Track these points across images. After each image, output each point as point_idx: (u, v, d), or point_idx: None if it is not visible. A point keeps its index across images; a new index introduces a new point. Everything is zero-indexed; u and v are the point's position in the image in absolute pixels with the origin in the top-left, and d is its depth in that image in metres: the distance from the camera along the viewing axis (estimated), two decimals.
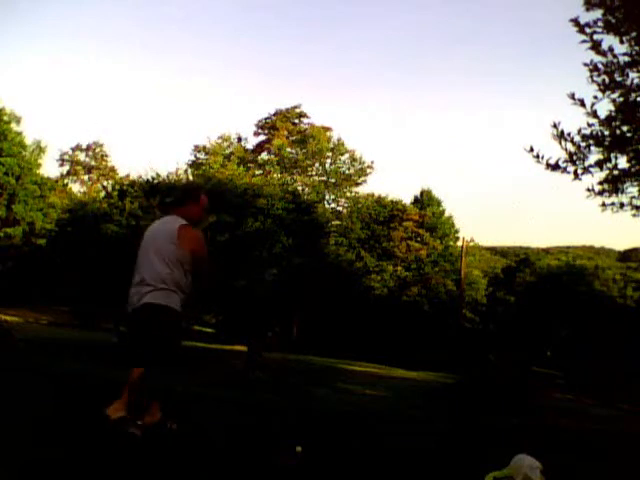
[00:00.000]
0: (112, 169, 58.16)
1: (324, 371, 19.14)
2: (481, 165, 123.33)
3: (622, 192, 6.97)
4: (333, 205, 43.28)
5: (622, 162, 6.86)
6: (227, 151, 44.87)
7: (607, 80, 6.38)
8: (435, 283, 35.60)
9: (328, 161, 43.38)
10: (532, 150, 6.92)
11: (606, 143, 6.65)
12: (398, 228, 36.59)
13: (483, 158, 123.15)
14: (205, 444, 3.92)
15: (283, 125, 48.54)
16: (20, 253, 34.03)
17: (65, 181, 55.23)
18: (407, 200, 40.60)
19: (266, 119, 49.97)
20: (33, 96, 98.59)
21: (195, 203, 4.13)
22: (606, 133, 6.66)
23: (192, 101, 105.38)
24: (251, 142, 50.04)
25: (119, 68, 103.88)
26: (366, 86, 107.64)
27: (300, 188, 40.34)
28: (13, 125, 34.78)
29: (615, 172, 6.83)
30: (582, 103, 6.54)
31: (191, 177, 35.79)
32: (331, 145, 43.55)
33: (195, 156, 45.92)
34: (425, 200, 40.48)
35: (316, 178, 43.26)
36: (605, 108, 6.63)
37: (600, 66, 6.39)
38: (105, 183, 48.36)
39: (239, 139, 48.77)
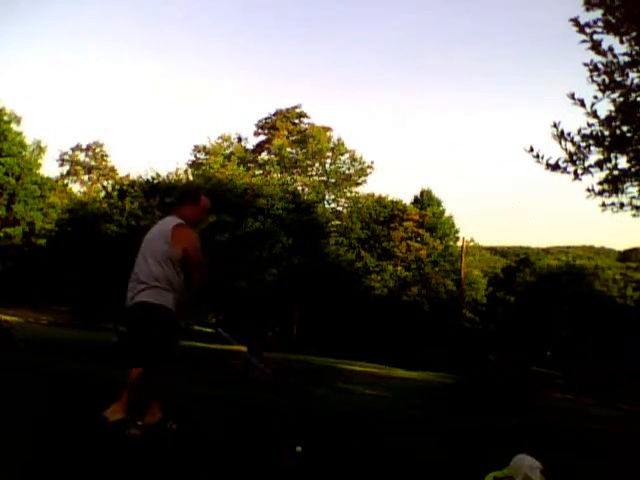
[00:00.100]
0: (112, 169, 58.17)
1: (324, 371, 19.14)
2: (481, 165, 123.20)
3: (622, 192, 6.97)
4: (333, 205, 43.32)
5: (622, 162, 6.86)
6: (227, 151, 44.89)
7: (607, 80, 6.38)
8: (435, 283, 35.61)
9: (328, 161, 43.39)
10: (532, 150, 6.92)
11: (606, 143, 6.65)
12: (398, 228, 36.59)
13: (483, 158, 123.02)
14: (205, 444, 3.92)
15: (283, 125, 48.55)
16: (20, 253, 34.02)
17: (65, 181, 55.24)
18: (407, 200, 40.67)
19: (266, 119, 49.99)
20: (33, 96, 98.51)
21: (194, 204, 4.11)
22: (606, 133, 6.66)
23: (192, 101, 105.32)
24: (251, 142, 50.14)
25: (119, 68, 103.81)
26: (366, 86, 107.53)
27: (300, 188, 40.35)
28: (13, 125, 34.80)
29: (615, 172, 6.83)
30: (582, 103, 6.54)
31: (191, 177, 35.82)
32: (331, 145, 43.55)
33: (195, 156, 46.00)
34: (425, 200, 40.50)
35: (316, 178, 43.26)
36: (605, 108, 6.63)
37: (600, 66, 6.39)
38: (105, 183, 48.38)
39: (239, 139, 48.84)
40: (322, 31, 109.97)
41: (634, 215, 7.09)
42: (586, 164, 6.82)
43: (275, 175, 40.83)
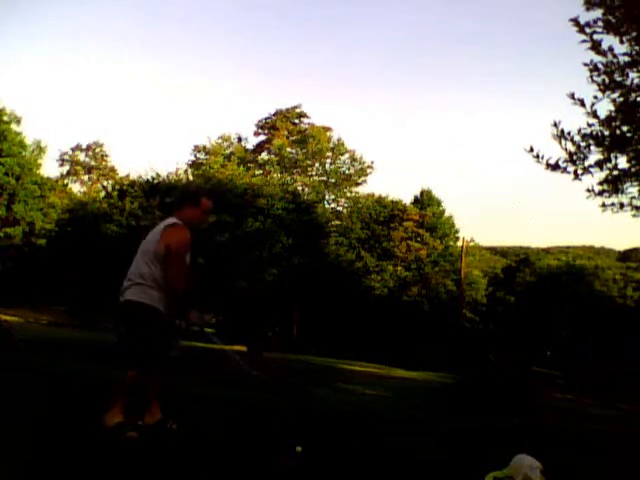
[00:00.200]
0: (112, 169, 58.19)
1: (324, 371, 19.13)
2: (481, 165, 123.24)
3: (622, 192, 6.96)
4: (333, 205, 43.31)
5: (622, 162, 6.86)
6: (227, 151, 44.90)
7: (607, 80, 6.38)
8: (435, 283, 35.60)
9: (328, 161, 43.38)
10: (532, 150, 6.92)
11: (606, 143, 6.65)
12: (398, 228, 36.59)
13: (483, 158, 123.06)
14: (205, 444, 3.92)
15: (283, 125, 48.55)
16: (20, 253, 34.01)
17: (65, 181, 55.25)
18: (407, 200, 40.65)
19: (266, 119, 49.99)
20: (33, 96, 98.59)
21: (194, 206, 4.08)
22: (606, 133, 6.65)
23: (192, 101, 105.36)
24: (251, 142, 50.16)
25: (119, 68, 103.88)
26: (366, 86, 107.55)
27: (300, 188, 40.34)
28: (13, 125, 34.80)
29: (615, 172, 6.83)
30: (582, 103, 6.53)
31: (191, 177, 35.83)
32: (331, 145, 43.55)
33: (195, 156, 46.02)
34: (425, 200, 40.49)
35: (316, 178, 43.25)
36: (605, 108, 6.63)
37: (600, 66, 6.38)
38: (105, 183, 48.40)
39: (239, 139, 48.85)
40: (322, 31, 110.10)
41: (634, 215, 7.08)
42: (586, 164, 6.82)
43: (275, 175, 40.83)
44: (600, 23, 6.30)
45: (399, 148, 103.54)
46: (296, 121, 49.56)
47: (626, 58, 6.37)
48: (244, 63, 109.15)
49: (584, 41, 6.35)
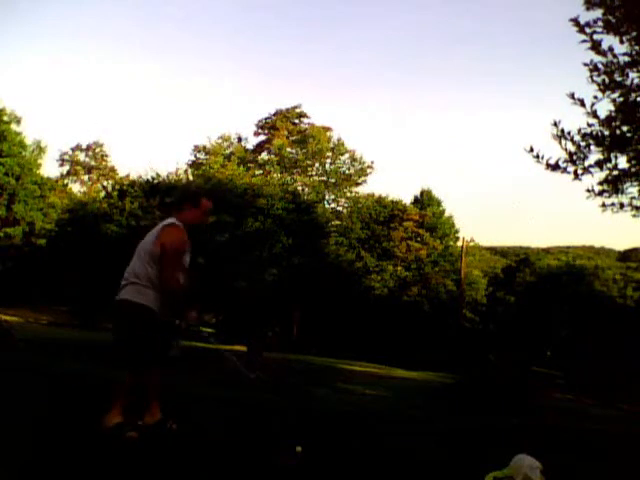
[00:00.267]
0: (112, 169, 58.19)
1: (324, 371, 19.13)
2: (481, 165, 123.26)
3: (622, 192, 6.95)
4: (333, 205, 43.30)
5: (622, 162, 6.85)
6: (227, 151, 44.90)
7: (607, 80, 6.37)
8: (435, 283, 35.60)
9: (328, 161, 43.38)
10: (532, 150, 6.91)
11: (606, 143, 6.64)
12: (398, 228, 36.59)
13: (483, 158, 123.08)
14: (205, 444, 3.92)
15: (283, 125, 48.55)
16: (20, 253, 34.02)
17: (65, 181, 55.24)
18: (407, 200, 40.66)
19: (266, 119, 49.99)
20: (33, 96, 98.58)
21: (194, 207, 4.07)
22: (606, 133, 6.65)
23: (192, 101, 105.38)
24: (251, 142, 50.16)
25: (119, 68, 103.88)
26: (366, 86, 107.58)
27: (300, 188, 40.34)
28: (13, 125, 34.80)
29: (615, 172, 6.82)
30: (582, 103, 6.53)
31: (191, 177, 35.83)
32: (331, 145, 43.54)
33: (195, 156, 46.02)
34: (425, 200, 40.49)
35: (316, 178, 43.24)
36: (605, 108, 6.62)
37: (600, 66, 6.37)
38: (105, 183, 48.41)
39: (239, 139, 48.86)
40: (322, 31, 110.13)
41: (634, 215, 7.07)
42: (586, 164, 6.82)
43: (275, 175, 40.83)
44: (600, 23, 6.30)
45: (399, 148, 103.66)
46: (296, 121, 49.56)
47: (626, 58, 6.37)
48: (244, 63, 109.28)
49: (584, 41, 6.35)
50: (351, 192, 43.29)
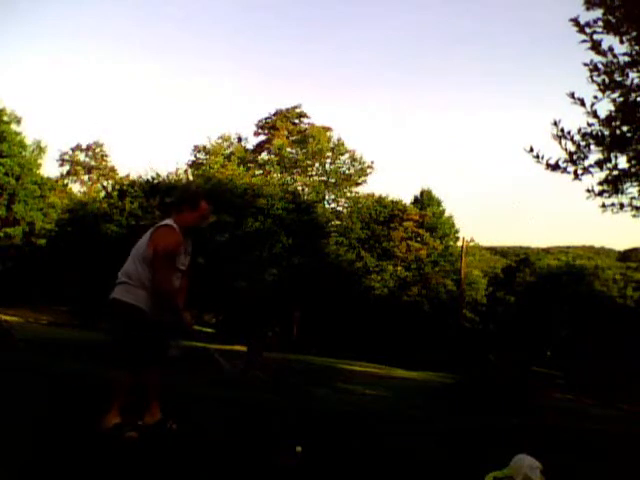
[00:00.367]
0: (112, 169, 58.22)
1: (324, 371, 19.12)
2: (481, 165, 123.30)
3: (622, 193, 6.94)
4: (333, 205, 43.28)
5: (622, 162, 6.85)
6: (227, 151, 44.91)
7: (607, 80, 6.37)
8: (435, 283, 35.60)
9: (328, 161, 43.36)
10: (532, 150, 6.90)
11: (606, 143, 6.64)
12: (398, 228, 36.59)
13: (483, 158, 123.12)
14: (205, 444, 3.92)
15: (283, 125, 48.56)
16: (20, 253, 34.02)
17: (65, 181, 55.27)
18: (407, 200, 40.67)
19: (266, 119, 50.00)
20: (33, 96, 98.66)
21: (192, 210, 4.04)
22: (606, 133, 6.65)
23: (192, 101, 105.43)
24: (251, 142, 50.18)
25: (119, 68, 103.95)
26: (366, 86, 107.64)
27: (300, 188, 40.35)
28: (13, 125, 34.81)
29: (615, 172, 6.82)
30: (582, 102, 6.52)
31: (191, 177, 35.83)
32: (331, 145, 43.52)
33: (195, 156, 46.04)
34: (425, 200, 40.50)
35: (316, 178, 43.24)
36: (605, 108, 6.62)
37: (600, 66, 6.37)
38: (105, 183, 48.44)
39: (239, 139, 48.87)
40: (322, 31, 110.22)
41: (634, 215, 7.07)
42: (586, 164, 6.81)
43: (275, 175, 40.84)
44: (600, 23, 6.29)
45: (399, 148, 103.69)
46: (296, 121, 49.57)
47: (626, 58, 6.36)
48: (244, 63, 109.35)
49: (584, 41, 6.34)
50: (351, 192, 43.28)
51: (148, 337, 3.87)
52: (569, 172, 6.85)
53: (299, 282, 29.36)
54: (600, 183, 6.95)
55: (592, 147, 6.70)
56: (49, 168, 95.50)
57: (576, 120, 6.86)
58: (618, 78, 6.35)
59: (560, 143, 6.75)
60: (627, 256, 58.45)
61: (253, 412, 5.83)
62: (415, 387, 17.53)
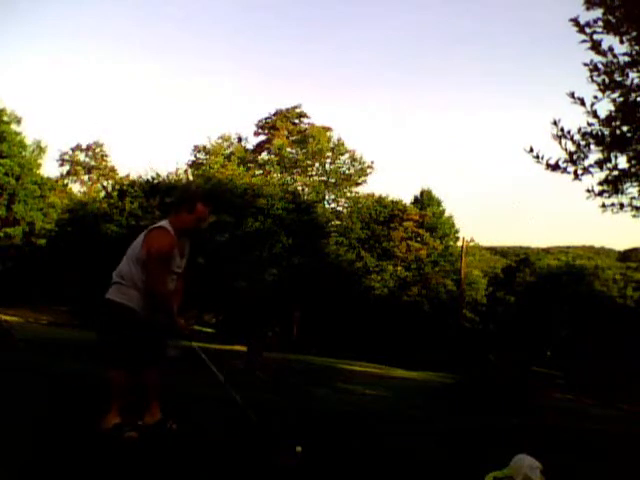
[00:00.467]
0: (112, 169, 58.20)
1: (324, 371, 19.13)
2: (481, 165, 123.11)
3: (622, 193, 6.93)
4: (333, 205, 43.28)
5: (622, 162, 6.84)
6: (227, 151, 44.91)
7: (607, 80, 6.36)
8: (435, 283, 35.60)
9: (328, 161, 43.36)
10: (532, 150, 6.90)
11: (606, 142, 6.63)
12: (398, 228, 36.59)
13: (483, 158, 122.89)
14: (205, 444, 3.92)
15: (283, 125, 48.56)
16: (20, 253, 34.02)
17: (65, 181, 55.28)
18: (407, 200, 40.67)
19: (266, 119, 50.00)
20: (33, 96, 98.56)
21: (189, 213, 4.01)
22: (606, 133, 6.64)
23: (192, 101, 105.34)
24: (251, 142, 50.18)
25: (119, 68, 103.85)
26: (366, 86, 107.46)
27: (300, 188, 40.33)
28: (13, 125, 34.81)
29: (615, 172, 6.81)
30: (582, 102, 6.51)
31: (191, 177, 35.82)
32: (331, 145, 43.52)
33: (195, 156, 46.04)
34: (425, 200, 40.50)
35: (316, 178, 43.24)
36: (605, 108, 6.61)
37: (600, 66, 6.36)
38: (105, 183, 48.45)
39: (239, 139, 48.87)
40: (322, 31, 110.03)
41: (634, 216, 7.06)
42: (586, 164, 6.80)
43: (275, 175, 40.82)
44: (600, 23, 6.28)
45: (399, 148, 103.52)
46: (296, 121, 49.57)
47: (626, 58, 6.35)
48: (244, 63, 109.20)
49: (584, 41, 6.34)
50: (351, 192, 43.28)
51: (141, 337, 3.88)
52: (569, 172, 6.84)
53: (299, 282, 29.34)
54: (600, 183, 6.95)
55: (592, 147, 6.69)
56: (49, 168, 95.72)
57: (576, 120, 6.86)
58: (618, 78, 6.35)
59: (560, 143, 6.75)
60: (627, 256, 58.44)
61: (253, 412, 5.81)
62: (415, 387, 17.54)
